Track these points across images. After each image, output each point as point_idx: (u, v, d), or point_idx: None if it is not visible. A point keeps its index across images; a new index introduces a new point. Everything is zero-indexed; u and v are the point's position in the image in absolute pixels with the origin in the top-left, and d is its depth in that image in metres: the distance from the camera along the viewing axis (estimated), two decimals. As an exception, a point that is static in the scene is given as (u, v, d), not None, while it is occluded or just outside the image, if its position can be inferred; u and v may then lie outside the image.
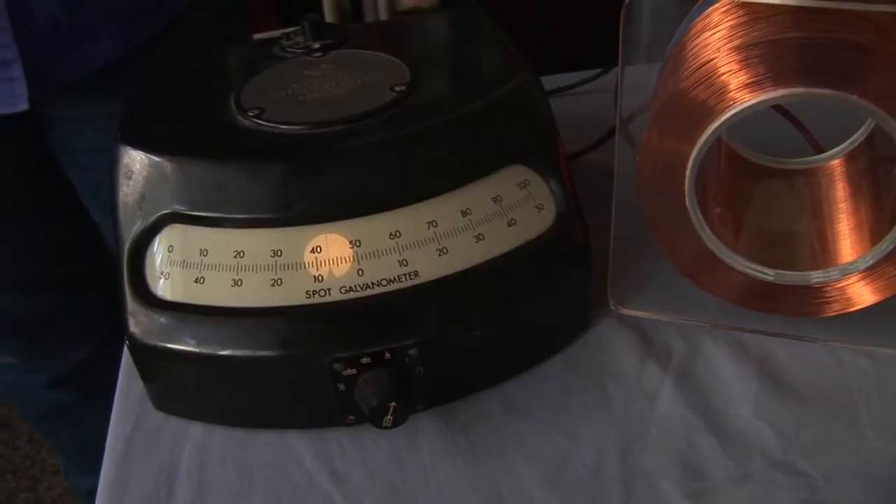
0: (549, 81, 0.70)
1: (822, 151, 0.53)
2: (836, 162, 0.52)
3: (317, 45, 0.52)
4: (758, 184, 0.53)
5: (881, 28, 0.40)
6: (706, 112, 0.42)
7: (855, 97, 0.40)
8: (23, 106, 0.66)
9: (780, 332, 0.48)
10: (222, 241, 0.43)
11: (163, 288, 0.43)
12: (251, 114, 0.46)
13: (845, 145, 0.52)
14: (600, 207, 0.48)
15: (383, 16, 1.56)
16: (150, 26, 0.72)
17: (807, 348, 0.48)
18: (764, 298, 0.47)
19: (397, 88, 0.46)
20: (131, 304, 0.44)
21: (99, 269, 0.96)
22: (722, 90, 0.42)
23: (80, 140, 0.78)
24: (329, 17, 1.52)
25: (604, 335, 0.49)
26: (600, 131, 0.60)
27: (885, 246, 0.44)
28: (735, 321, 0.48)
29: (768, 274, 0.46)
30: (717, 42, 0.43)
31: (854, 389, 0.46)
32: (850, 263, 0.45)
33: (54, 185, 0.83)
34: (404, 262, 0.42)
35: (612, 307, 0.50)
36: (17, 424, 1.52)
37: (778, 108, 0.48)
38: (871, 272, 0.44)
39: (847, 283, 0.45)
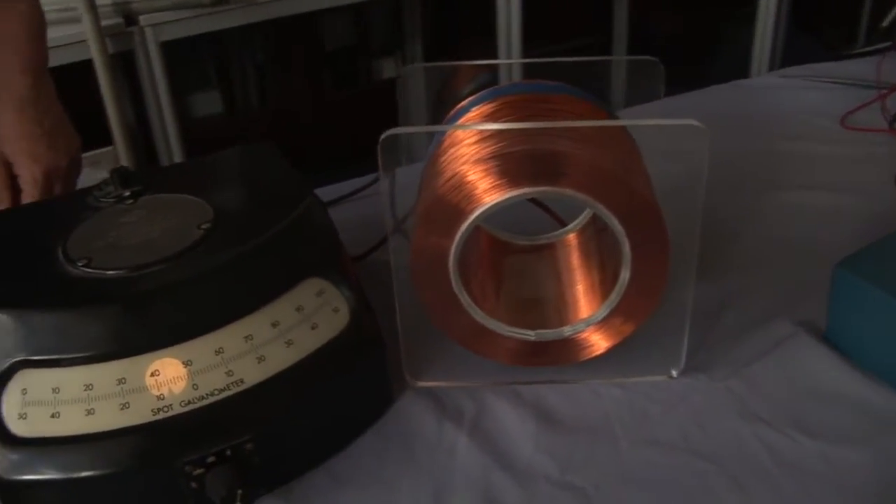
0: (337, 189, 0.81)
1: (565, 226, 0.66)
2: (571, 235, 0.65)
3: (127, 193, 0.60)
4: (513, 260, 0.65)
5: (579, 136, 0.53)
6: (460, 212, 0.53)
7: (564, 189, 0.52)
8: None
9: (548, 380, 0.59)
10: (72, 379, 0.50)
11: (21, 427, 0.49)
12: (80, 264, 0.53)
13: (577, 221, 0.65)
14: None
15: (172, 133, 1.64)
16: None
17: (571, 388, 0.59)
18: (531, 354, 0.59)
19: (203, 227, 0.55)
20: (-6, 447, 0.50)
21: None
22: (471, 194, 0.53)
23: None
24: (117, 135, 1.58)
25: (406, 406, 0.59)
26: (383, 231, 0.70)
27: (610, 302, 0.56)
28: (511, 377, 0.59)
29: (530, 334, 0.58)
30: (462, 157, 0.54)
31: (611, 414, 0.57)
32: (587, 318, 0.57)
33: None
34: (231, 373, 0.51)
35: (410, 382, 0.60)
36: None
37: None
38: (603, 324, 0.57)
39: (588, 333, 0.57)
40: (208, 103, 2.28)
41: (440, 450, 0.55)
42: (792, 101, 1.03)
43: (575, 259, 0.64)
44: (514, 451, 0.55)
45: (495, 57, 2.13)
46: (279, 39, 2.38)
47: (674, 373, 0.59)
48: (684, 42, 3.13)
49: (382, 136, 0.50)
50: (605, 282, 0.58)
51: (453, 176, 0.53)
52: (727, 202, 0.79)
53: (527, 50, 2.16)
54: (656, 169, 0.58)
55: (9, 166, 0.77)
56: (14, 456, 0.49)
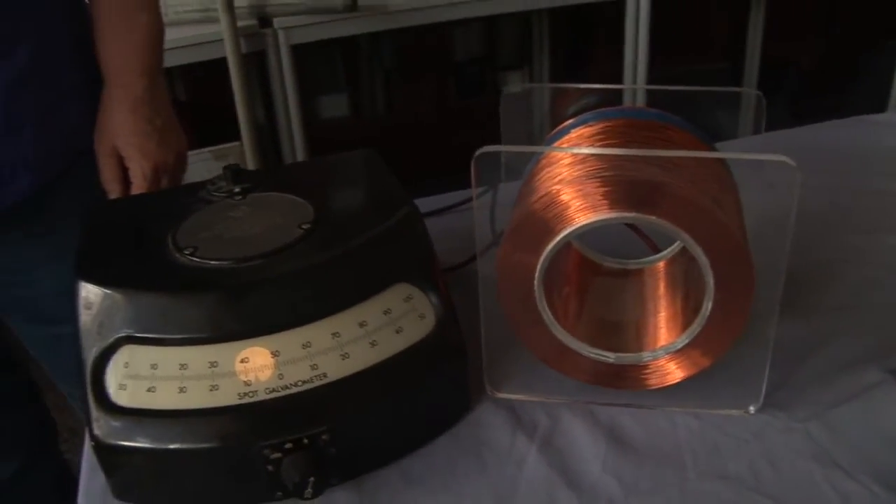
0: (444, 199, 0.83)
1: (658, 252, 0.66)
2: (661, 263, 0.65)
3: (237, 189, 0.64)
4: (601, 281, 0.66)
5: (674, 165, 0.54)
6: (549, 230, 0.55)
7: (654, 217, 0.53)
8: None
9: (625, 403, 0.60)
10: (169, 358, 0.53)
11: (121, 397, 0.54)
12: (187, 252, 0.57)
13: (670, 249, 0.65)
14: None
15: (298, 133, 1.70)
16: (60, 163, 0.85)
17: (647, 414, 0.60)
18: (609, 376, 0.59)
19: (304, 226, 0.58)
20: (94, 411, 0.54)
21: (21, 387, 1.04)
22: (562, 214, 0.54)
23: (6, 259, 0.88)
24: (244, 131, 1.65)
25: (482, 415, 0.60)
26: (484, 242, 0.72)
27: (690, 332, 0.56)
28: (588, 396, 0.60)
29: (609, 357, 0.59)
30: (557, 176, 0.55)
31: (682, 444, 0.58)
32: (665, 346, 0.57)
33: None
34: (315, 367, 0.53)
35: (489, 392, 0.61)
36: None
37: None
38: (681, 354, 0.57)
39: (665, 361, 0.58)
40: (335, 105, 2.35)
41: (510, 461, 0.57)
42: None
43: (661, 287, 0.65)
44: (582, 469, 0.56)
45: (621, 75, 2.14)
46: (409, 47, 2.43)
47: (751, 409, 0.59)
48: (822, 72, 3.04)
49: (476, 154, 0.52)
50: (687, 312, 0.58)
51: (546, 194, 0.54)
52: (829, 241, 0.78)
53: (653, 71, 2.16)
54: (755, 200, 0.58)
55: (121, 160, 0.83)
56: (112, 422, 0.53)
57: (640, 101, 1.79)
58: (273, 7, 1.67)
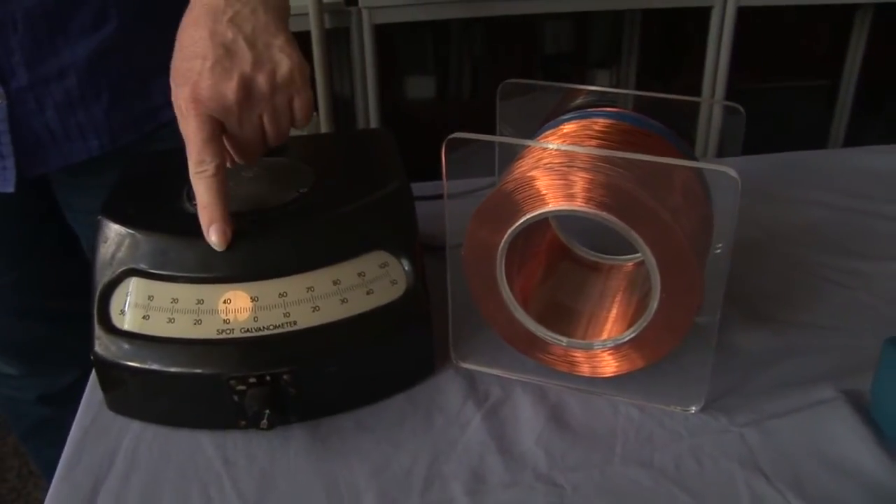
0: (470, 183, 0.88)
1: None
2: (630, 264, 0.69)
3: (256, 152, 0.70)
4: (566, 266, 0.70)
5: (638, 169, 0.57)
6: (516, 211, 0.59)
7: (606, 214, 0.56)
8: (10, 189, 0.84)
9: (574, 387, 0.65)
10: (163, 291, 0.60)
11: (121, 321, 0.61)
12: (195, 203, 0.64)
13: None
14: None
15: (373, 110, 1.76)
16: (135, 133, 0.89)
17: (593, 399, 0.64)
18: (550, 356, 0.64)
19: (301, 190, 0.64)
20: (98, 331, 0.61)
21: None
22: (534, 196, 0.58)
23: (79, 201, 0.95)
24: (322, 103, 1.72)
25: (442, 381, 0.66)
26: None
27: (632, 329, 0.60)
28: (543, 377, 0.65)
29: (562, 341, 0.63)
30: (532, 164, 0.59)
31: (618, 430, 0.62)
32: (605, 340, 0.62)
33: (59, 231, 1.00)
34: (287, 314, 0.60)
35: (454, 361, 0.67)
36: (7, 458, 1.65)
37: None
38: (619, 350, 0.61)
39: (606, 353, 0.62)
40: (421, 87, 2.41)
41: (455, 424, 0.62)
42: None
43: (622, 287, 0.68)
44: (516, 439, 0.61)
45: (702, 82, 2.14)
46: (500, 36, 2.46)
47: (693, 408, 0.63)
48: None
49: (446, 140, 0.57)
50: (637, 314, 0.62)
51: (521, 177, 0.58)
52: (830, 262, 0.81)
53: (739, 83, 2.14)
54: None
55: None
56: (111, 342, 0.61)
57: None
58: (360, -15, 1.72)
